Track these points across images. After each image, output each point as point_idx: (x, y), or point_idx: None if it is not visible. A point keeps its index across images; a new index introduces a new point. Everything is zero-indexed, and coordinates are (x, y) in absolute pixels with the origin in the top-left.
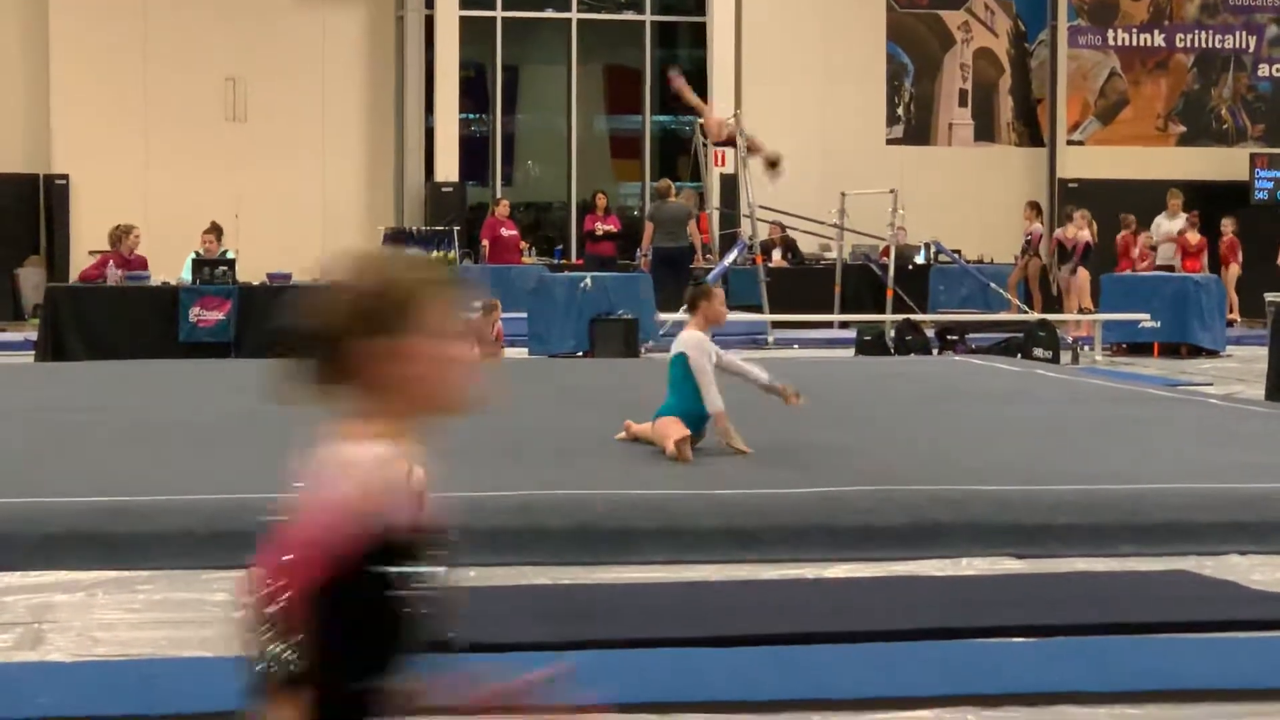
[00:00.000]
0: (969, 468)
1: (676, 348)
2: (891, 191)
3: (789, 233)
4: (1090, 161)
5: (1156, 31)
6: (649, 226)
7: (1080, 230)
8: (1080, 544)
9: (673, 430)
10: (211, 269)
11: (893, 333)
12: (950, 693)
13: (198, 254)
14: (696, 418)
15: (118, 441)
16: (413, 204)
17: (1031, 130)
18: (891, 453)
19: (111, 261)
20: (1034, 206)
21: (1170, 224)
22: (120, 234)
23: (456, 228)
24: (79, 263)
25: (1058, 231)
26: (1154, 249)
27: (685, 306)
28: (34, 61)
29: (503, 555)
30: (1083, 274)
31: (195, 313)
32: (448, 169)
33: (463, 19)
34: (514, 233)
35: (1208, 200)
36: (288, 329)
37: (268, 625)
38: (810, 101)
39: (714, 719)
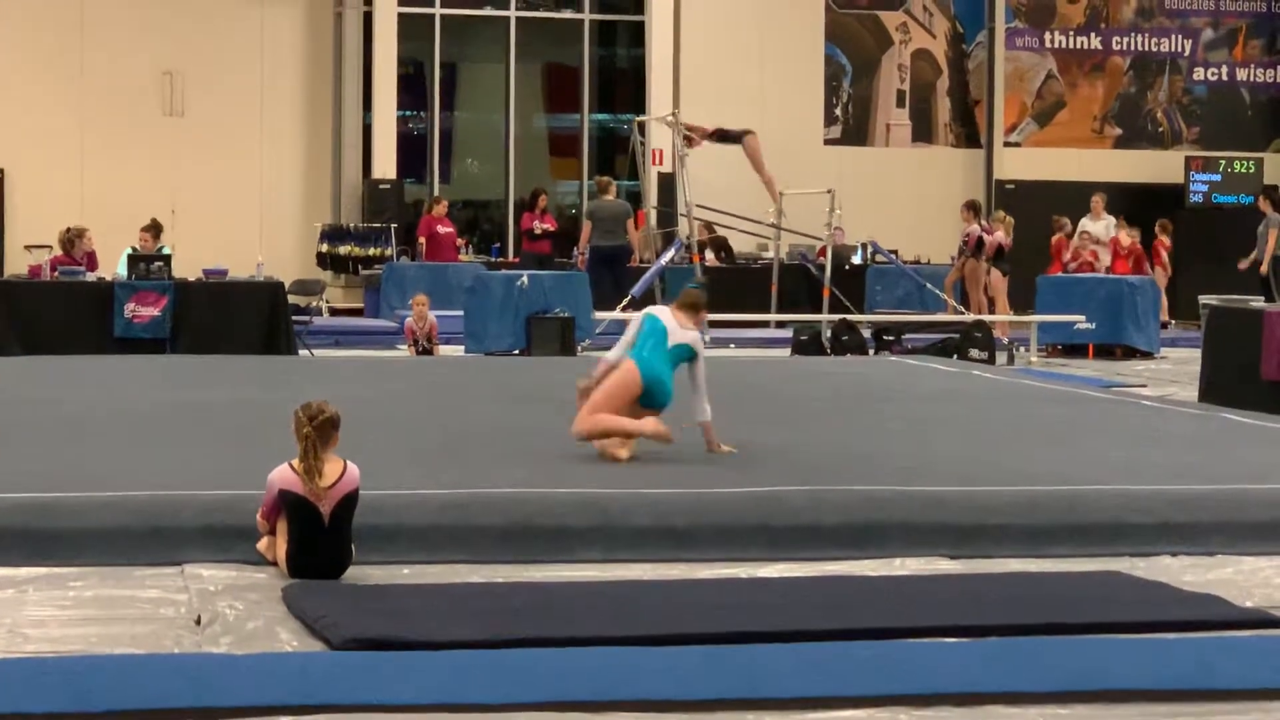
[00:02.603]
0: (904, 468)
1: (687, 342)
2: (829, 191)
3: (722, 232)
4: (1027, 163)
5: (1093, 34)
6: (587, 225)
7: (995, 230)
8: (1013, 545)
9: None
10: (148, 264)
11: (829, 333)
12: (883, 693)
13: (134, 249)
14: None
15: (50, 437)
16: (350, 201)
17: (969, 131)
18: (827, 452)
19: (47, 264)
20: (971, 207)
21: (1093, 226)
22: (73, 237)
23: (394, 225)
24: (14, 257)
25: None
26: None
27: (685, 305)
28: None
29: (437, 553)
30: (997, 274)
31: (131, 308)
32: (385, 166)
33: (401, 16)
34: (451, 230)
35: (1143, 203)
36: None
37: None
38: (748, 101)
39: (648, 718)
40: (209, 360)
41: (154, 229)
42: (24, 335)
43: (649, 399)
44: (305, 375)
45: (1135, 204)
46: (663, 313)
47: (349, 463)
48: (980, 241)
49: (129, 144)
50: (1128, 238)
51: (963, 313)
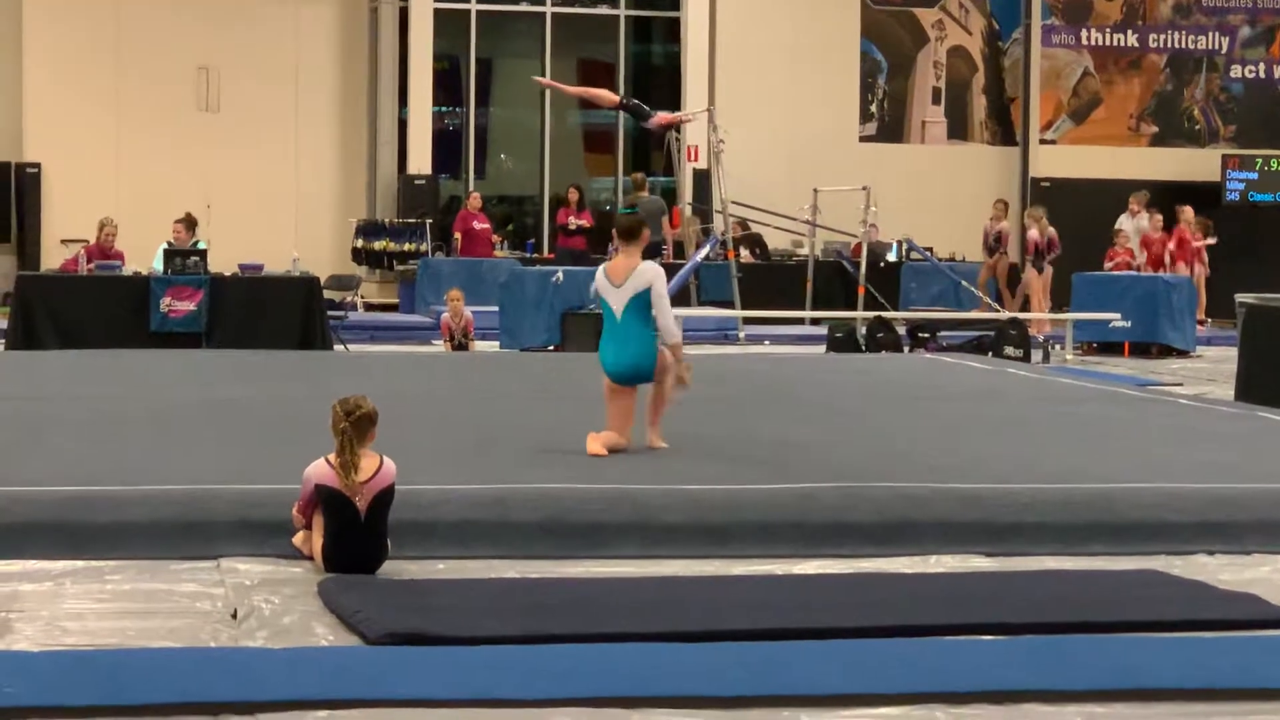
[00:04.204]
0: (939, 465)
1: (640, 283)
2: (864, 188)
3: (756, 228)
4: (1063, 161)
5: (1130, 31)
6: None
7: (1030, 229)
8: (1049, 543)
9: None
10: (183, 259)
11: (864, 330)
12: (919, 690)
13: (169, 244)
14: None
15: (87, 431)
16: (385, 196)
17: (1004, 129)
18: (862, 450)
19: (84, 253)
20: (1002, 205)
21: (1131, 224)
22: (101, 224)
23: (429, 220)
24: (50, 251)
25: (998, 226)
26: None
27: (624, 238)
28: (6, 50)
29: (472, 548)
30: (1032, 272)
31: (167, 303)
32: (420, 161)
33: (437, 11)
34: (486, 226)
35: (1179, 201)
36: None
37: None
38: (783, 98)
39: (683, 715)
40: (244, 355)
41: (188, 221)
42: (60, 329)
43: (632, 380)
44: (340, 370)
45: (1171, 202)
46: (599, 282)
47: (385, 458)
48: (998, 238)
49: (164, 139)
50: (1159, 235)
51: (997, 310)
